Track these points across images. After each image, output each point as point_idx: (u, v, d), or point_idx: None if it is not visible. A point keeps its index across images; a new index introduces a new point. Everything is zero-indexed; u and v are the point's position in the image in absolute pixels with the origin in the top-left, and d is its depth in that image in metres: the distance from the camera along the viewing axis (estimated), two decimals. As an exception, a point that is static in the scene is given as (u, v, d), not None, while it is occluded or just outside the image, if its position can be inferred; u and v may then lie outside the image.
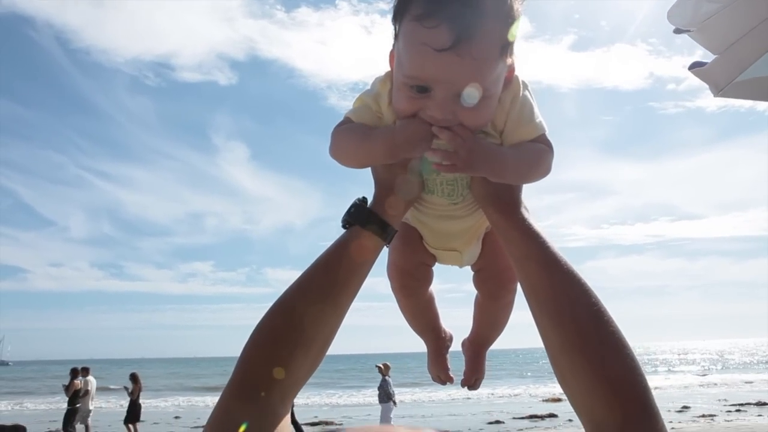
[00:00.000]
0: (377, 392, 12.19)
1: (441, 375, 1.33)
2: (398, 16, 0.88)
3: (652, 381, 28.98)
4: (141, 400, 13.52)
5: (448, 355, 1.35)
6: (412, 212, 1.07)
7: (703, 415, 15.25)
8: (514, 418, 16.51)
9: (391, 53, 0.95)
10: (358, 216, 0.97)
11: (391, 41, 0.94)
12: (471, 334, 1.32)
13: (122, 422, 13.44)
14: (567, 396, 0.89)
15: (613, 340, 0.86)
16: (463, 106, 0.87)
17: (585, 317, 0.87)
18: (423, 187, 1.02)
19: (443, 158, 0.89)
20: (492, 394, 26.37)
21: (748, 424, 12.96)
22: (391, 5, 0.89)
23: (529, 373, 42.61)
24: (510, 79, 0.94)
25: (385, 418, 11.64)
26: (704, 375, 35.91)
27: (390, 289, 1.22)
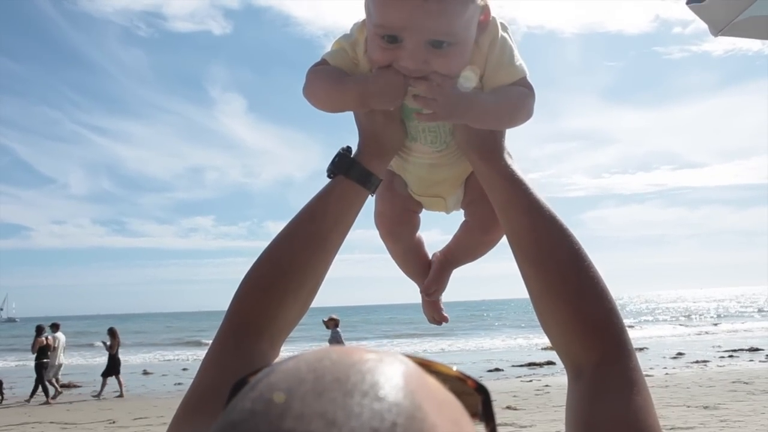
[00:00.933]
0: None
1: (435, 316, 1.37)
2: None
3: (650, 330, 29.45)
4: (140, 353, 13.79)
5: (441, 297, 1.37)
6: (396, 160, 1.08)
7: (697, 361, 15.57)
8: (512, 365, 16.89)
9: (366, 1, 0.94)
10: (341, 165, 0.98)
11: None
12: (445, 249, 1.33)
13: (113, 376, 13.57)
14: (549, 338, 0.93)
15: (592, 284, 0.89)
16: (435, 53, 0.86)
17: (565, 261, 0.90)
18: (406, 134, 1.02)
19: (423, 106, 0.90)
20: (491, 343, 26.90)
21: (738, 369, 13.27)
22: None
23: (527, 323, 43.31)
24: (486, 21, 0.93)
25: None
26: (700, 323, 36.45)
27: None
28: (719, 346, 19.54)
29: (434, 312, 1.36)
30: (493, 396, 0.42)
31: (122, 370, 14.02)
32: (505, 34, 0.96)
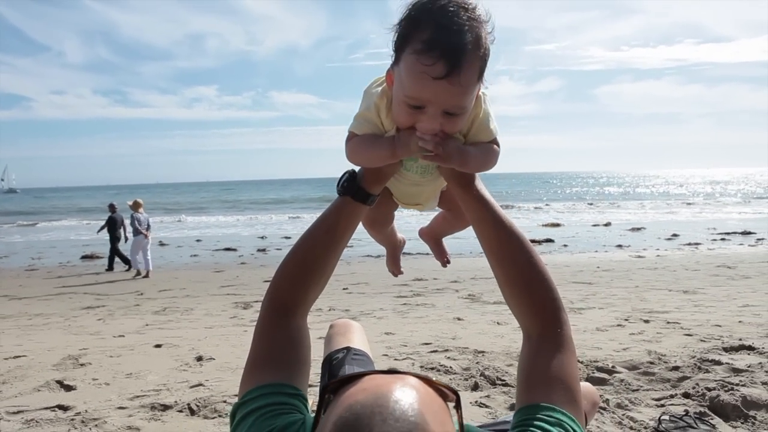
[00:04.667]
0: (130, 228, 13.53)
1: (395, 270, 1.84)
2: (400, 48, 1.12)
3: (652, 211, 29.81)
4: (154, 226, 14.29)
5: (401, 256, 1.84)
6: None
7: (689, 243, 16.18)
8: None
9: (389, 73, 1.19)
10: (349, 189, 1.30)
11: (390, 63, 1.18)
12: (428, 227, 1.76)
13: None
14: (511, 311, 1.30)
15: (539, 277, 1.24)
16: (447, 119, 1.13)
17: (520, 262, 1.25)
18: (402, 165, 1.32)
19: (433, 158, 1.18)
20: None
21: (726, 252, 13.86)
22: (393, 38, 1.13)
23: (527, 197, 43.93)
24: (479, 94, 1.20)
25: (135, 251, 13.20)
26: (702, 204, 36.89)
27: None
28: (714, 228, 20.14)
29: (395, 268, 1.85)
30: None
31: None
32: (486, 104, 1.24)
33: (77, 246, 19.22)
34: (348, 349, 1.95)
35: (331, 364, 1.91)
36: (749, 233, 18.24)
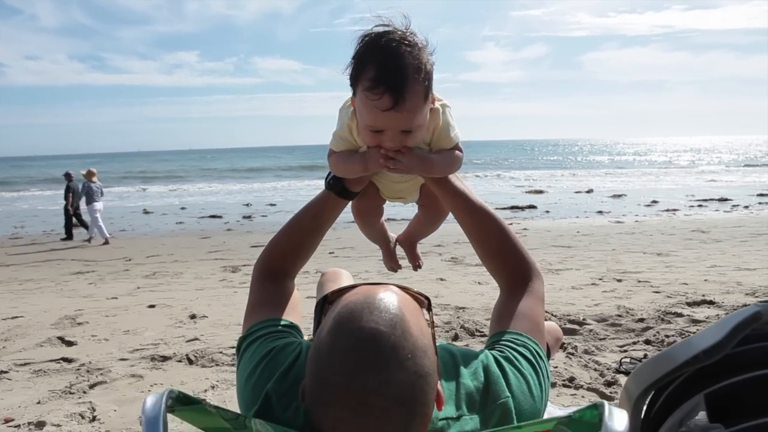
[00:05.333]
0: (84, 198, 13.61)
1: (393, 266, 2.02)
2: (354, 83, 1.29)
3: (633, 178, 30.24)
4: (137, 193, 14.45)
5: (396, 252, 2.01)
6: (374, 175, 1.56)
7: (667, 209, 16.60)
8: (496, 208, 17.64)
9: (353, 99, 1.34)
10: (334, 186, 1.49)
11: (351, 92, 1.33)
12: (404, 233, 1.96)
13: None
14: (489, 273, 1.51)
15: (512, 248, 1.45)
16: (406, 136, 1.30)
17: (495, 238, 1.46)
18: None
19: (393, 169, 1.35)
20: (475, 186, 27.82)
21: (701, 218, 14.27)
22: (348, 73, 1.29)
23: (510, 166, 44.21)
24: (433, 106, 1.36)
25: (94, 220, 13.36)
26: (683, 172, 37.38)
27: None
28: (693, 195, 20.58)
29: (392, 264, 2.03)
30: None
31: (123, 210, 14.93)
32: (446, 115, 1.41)
33: (59, 215, 19.09)
34: None
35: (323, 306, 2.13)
36: (726, 200, 18.68)
